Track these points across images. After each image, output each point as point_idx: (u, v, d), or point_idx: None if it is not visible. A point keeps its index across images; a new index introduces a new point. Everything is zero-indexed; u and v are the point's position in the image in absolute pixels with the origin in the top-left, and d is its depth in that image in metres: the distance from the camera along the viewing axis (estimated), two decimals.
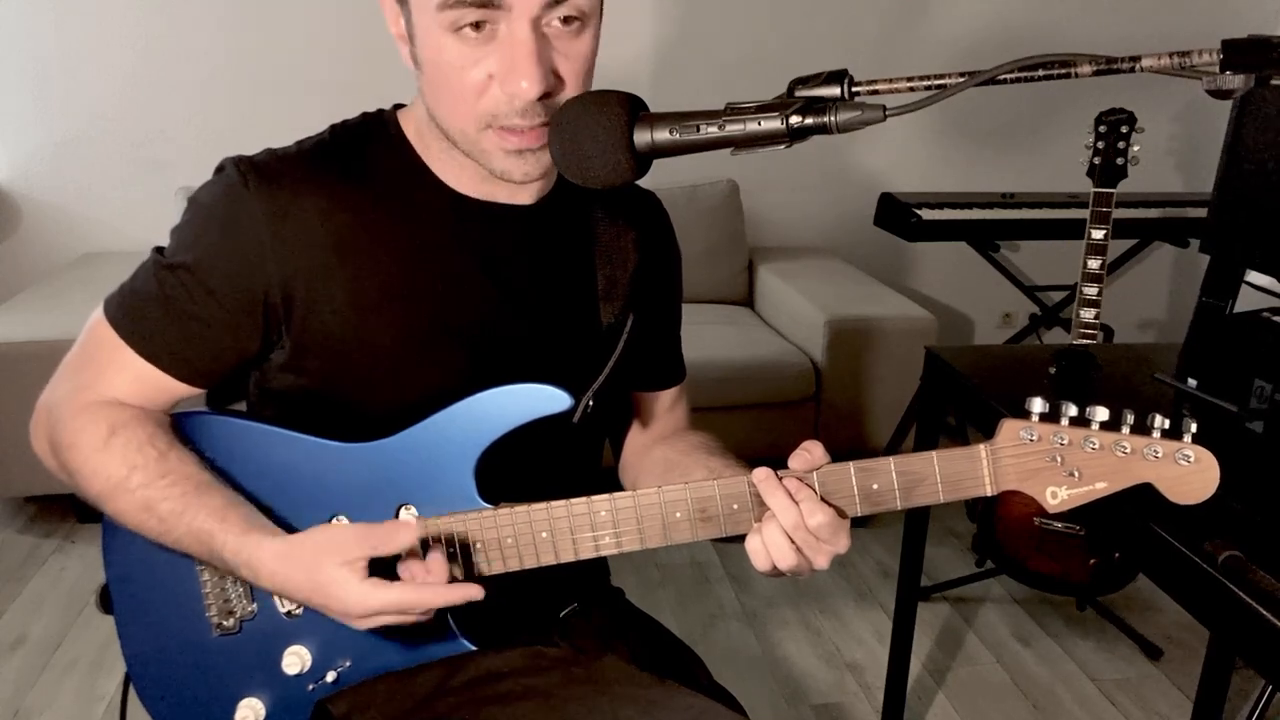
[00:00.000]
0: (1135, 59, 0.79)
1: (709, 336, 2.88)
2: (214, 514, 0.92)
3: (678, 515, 0.94)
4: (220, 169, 0.97)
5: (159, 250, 0.99)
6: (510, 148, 0.90)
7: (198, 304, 0.95)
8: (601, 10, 0.91)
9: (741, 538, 0.93)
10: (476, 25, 0.84)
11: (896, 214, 3.03)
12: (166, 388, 0.98)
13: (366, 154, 0.99)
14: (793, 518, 0.89)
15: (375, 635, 0.99)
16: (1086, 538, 2.08)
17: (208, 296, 0.95)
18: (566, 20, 0.86)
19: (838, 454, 0.94)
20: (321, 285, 0.95)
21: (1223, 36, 0.79)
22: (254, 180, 0.94)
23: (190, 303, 0.95)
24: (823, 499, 0.91)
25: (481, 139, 0.91)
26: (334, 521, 0.97)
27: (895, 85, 0.82)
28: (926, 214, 2.96)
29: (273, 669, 0.99)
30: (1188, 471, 0.89)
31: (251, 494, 0.97)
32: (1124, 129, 2.01)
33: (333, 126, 1.01)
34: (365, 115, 1.03)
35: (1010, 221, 3.04)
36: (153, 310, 0.96)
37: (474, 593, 0.90)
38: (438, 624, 0.98)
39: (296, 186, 0.95)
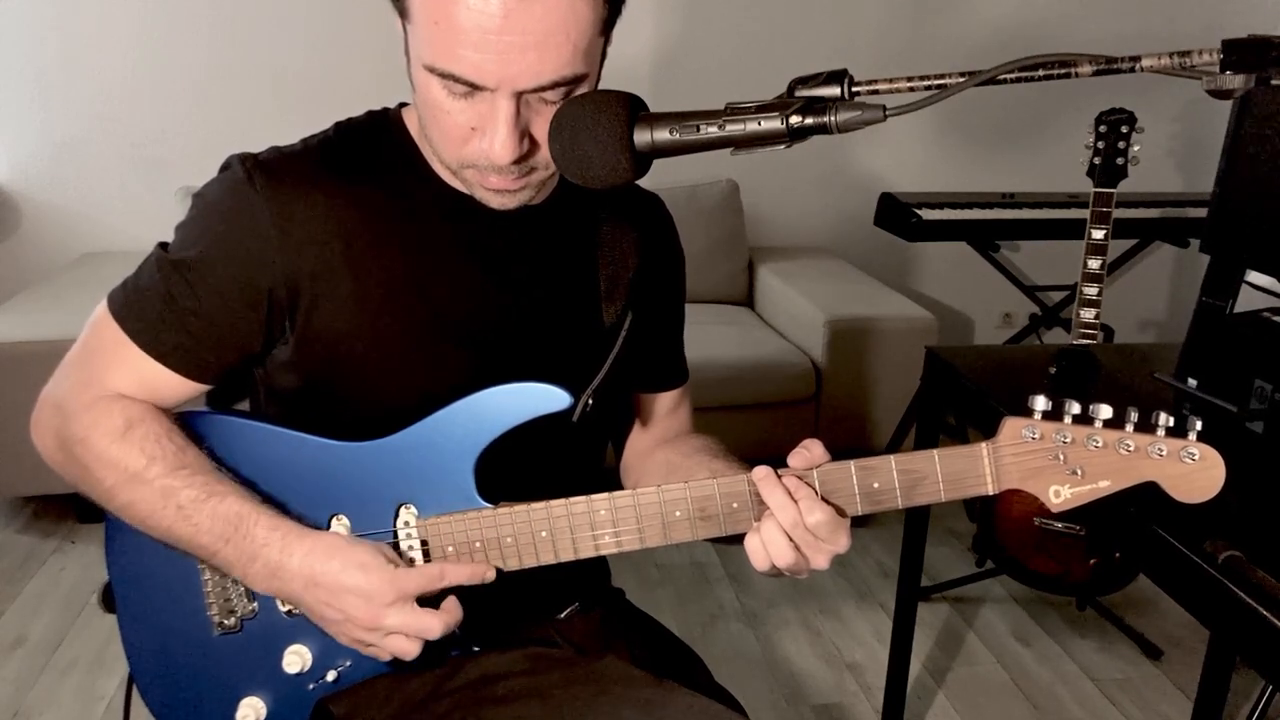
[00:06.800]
0: (1135, 59, 0.79)
1: (709, 336, 2.88)
2: (244, 499, 0.93)
3: (677, 514, 0.94)
4: (226, 166, 0.97)
5: (163, 246, 0.98)
6: (490, 187, 0.92)
7: (201, 301, 0.95)
8: (600, 66, 0.89)
9: (742, 537, 0.93)
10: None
11: (896, 214, 3.03)
12: (170, 383, 0.98)
13: (371, 152, 0.99)
14: (791, 515, 0.89)
15: None
16: (1087, 538, 2.08)
17: (212, 293, 0.95)
18: (554, 87, 0.84)
19: (838, 454, 0.94)
20: (325, 282, 0.96)
21: (1223, 36, 0.80)
22: (259, 177, 0.94)
23: (194, 299, 0.95)
24: (822, 497, 0.91)
25: (462, 173, 0.93)
26: (334, 521, 0.97)
27: (895, 85, 0.82)
28: (926, 214, 2.96)
29: (273, 668, 0.99)
30: (1193, 469, 0.88)
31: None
32: (1124, 129, 2.01)
33: (338, 124, 1.01)
34: (370, 113, 1.03)
35: (1010, 221, 3.04)
36: (157, 306, 0.96)
37: (487, 572, 0.95)
38: None
39: (301, 184, 0.95)
